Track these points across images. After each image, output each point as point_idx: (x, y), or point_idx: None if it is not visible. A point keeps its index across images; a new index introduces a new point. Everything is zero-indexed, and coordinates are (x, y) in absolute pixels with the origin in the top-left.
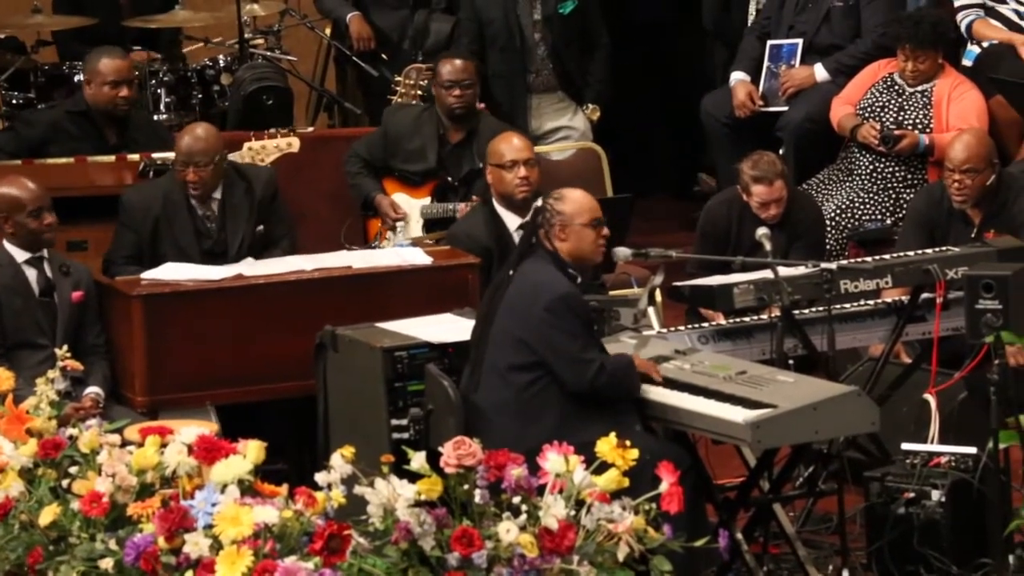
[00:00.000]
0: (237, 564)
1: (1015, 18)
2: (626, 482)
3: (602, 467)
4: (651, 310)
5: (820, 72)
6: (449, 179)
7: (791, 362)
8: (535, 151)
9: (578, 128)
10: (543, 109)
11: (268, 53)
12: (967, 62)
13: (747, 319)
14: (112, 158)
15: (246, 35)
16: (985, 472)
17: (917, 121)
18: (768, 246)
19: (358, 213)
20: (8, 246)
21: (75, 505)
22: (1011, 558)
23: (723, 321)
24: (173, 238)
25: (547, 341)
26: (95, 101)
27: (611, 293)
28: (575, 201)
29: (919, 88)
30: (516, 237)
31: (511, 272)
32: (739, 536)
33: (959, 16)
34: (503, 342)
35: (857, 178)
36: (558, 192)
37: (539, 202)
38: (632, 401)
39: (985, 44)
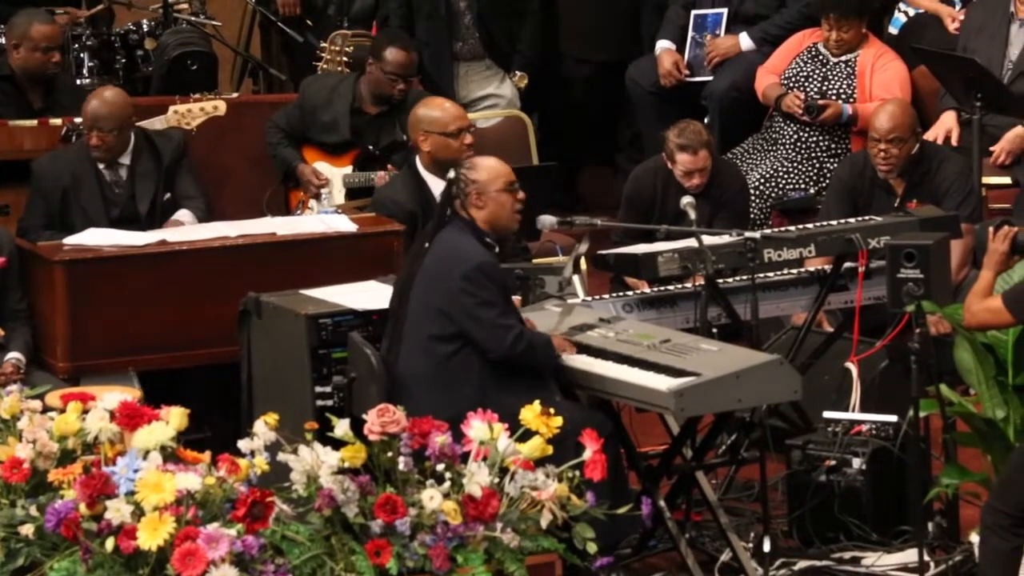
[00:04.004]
0: (159, 531)
1: None
2: (550, 450)
3: (526, 435)
4: (576, 278)
5: (745, 42)
6: (370, 148)
7: (715, 331)
8: None
9: (505, 96)
10: (470, 77)
11: (192, 18)
12: (893, 30)
13: (671, 288)
14: (35, 122)
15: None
16: (905, 440)
17: (841, 91)
18: (692, 215)
19: (279, 182)
20: None
21: None
22: (930, 525)
23: (647, 289)
24: (81, 206)
25: (465, 310)
26: (24, 66)
27: (536, 261)
28: (488, 168)
29: (843, 58)
30: None
31: (427, 244)
32: (662, 503)
33: None
34: (422, 313)
35: (781, 147)
36: (469, 161)
37: (451, 173)
38: (551, 371)
39: (912, 12)
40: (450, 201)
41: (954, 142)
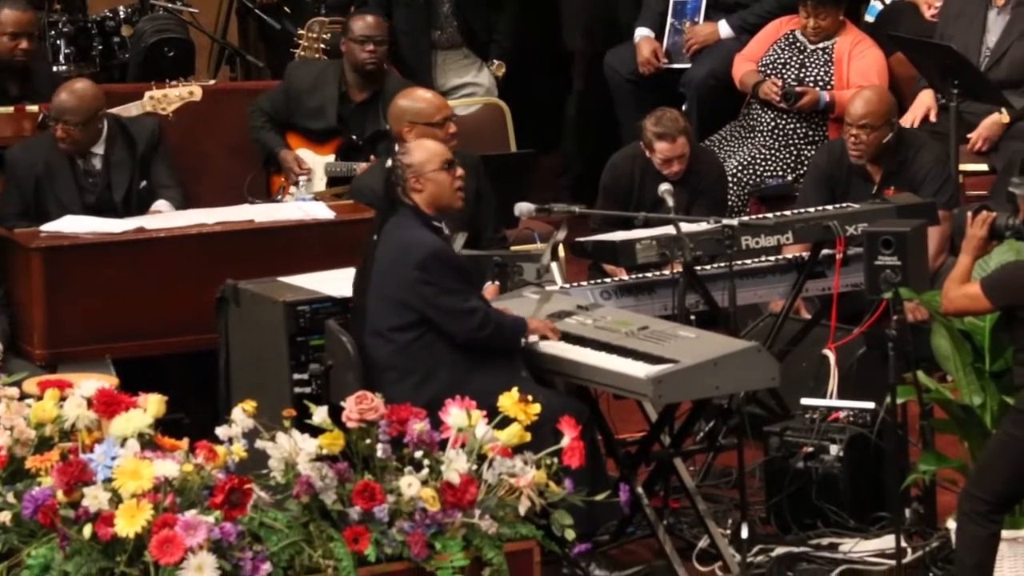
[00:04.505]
0: (137, 518)
1: None
2: (528, 437)
3: (504, 422)
4: (554, 265)
5: (724, 29)
6: (354, 138)
7: (692, 317)
8: None
9: (483, 84)
10: (448, 65)
11: (169, 5)
12: (869, 18)
13: (649, 275)
14: (11, 109)
15: None
16: (883, 427)
17: (818, 78)
18: (670, 202)
19: (260, 167)
20: None
21: None
22: (907, 512)
23: (625, 276)
24: (55, 194)
25: (425, 299)
26: None
27: (514, 248)
28: (422, 149)
29: (820, 45)
30: None
31: (376, 236)
32: (640, 490)
33: None
34: (381, 306)
35: (759, 135)
36: (403, 147)
37: (389, 162)
38: (520, 351)
39: (888, 0)
40: (392, 190)
41: (932, 119)
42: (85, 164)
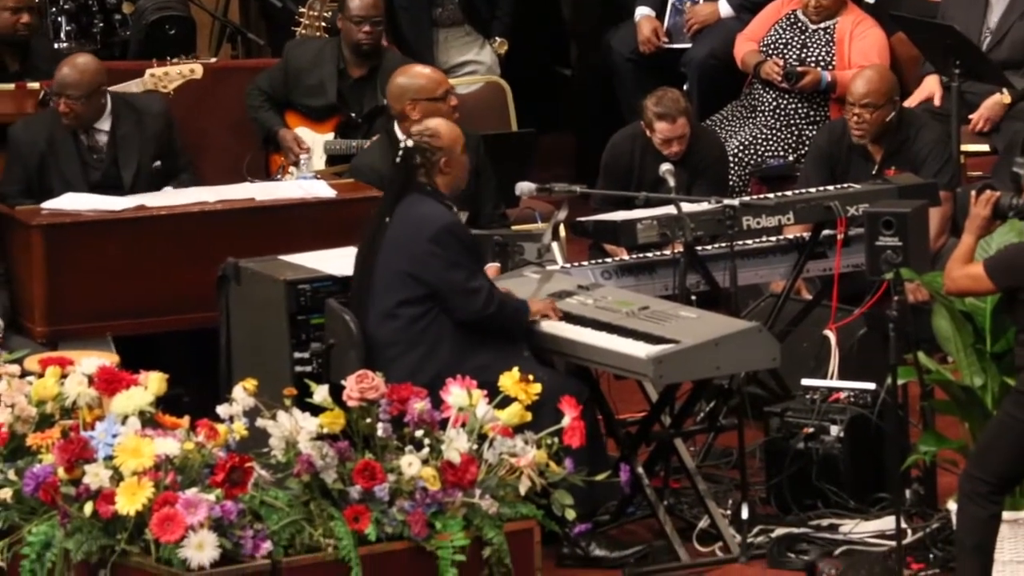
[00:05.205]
0: (137, 495)
1: None
2: (529, 416)
3: (505, 401)
4: (555, 245)
5: (724, 8)
6: (352, 115)
7: (693, 298)
8: None
9: (484, 62)
10: (450, 43)
11: None
12: None
13: (650, 255)
14: (12, 86)
15: None
16: (883, 408)
17: (820, 58)
18: (671, 182)
19: (260, 146)
20: None
21: None
22: (908, 492)
23: (626, 256)
24: (60, 171)
25: (434, 271)
26: None
27: (515, 228)
28: (449, 132)
29: (822, 25)
30: None
31: (388, 219)
32: (640, 470)
33: None
34: (391, 281)
35: (760, 115)
36: (426, 128)
37: (408, 143)
38: (522, 333)
39: None
40: (412, 171)
41: (936, 102)
42: (89, 140)
